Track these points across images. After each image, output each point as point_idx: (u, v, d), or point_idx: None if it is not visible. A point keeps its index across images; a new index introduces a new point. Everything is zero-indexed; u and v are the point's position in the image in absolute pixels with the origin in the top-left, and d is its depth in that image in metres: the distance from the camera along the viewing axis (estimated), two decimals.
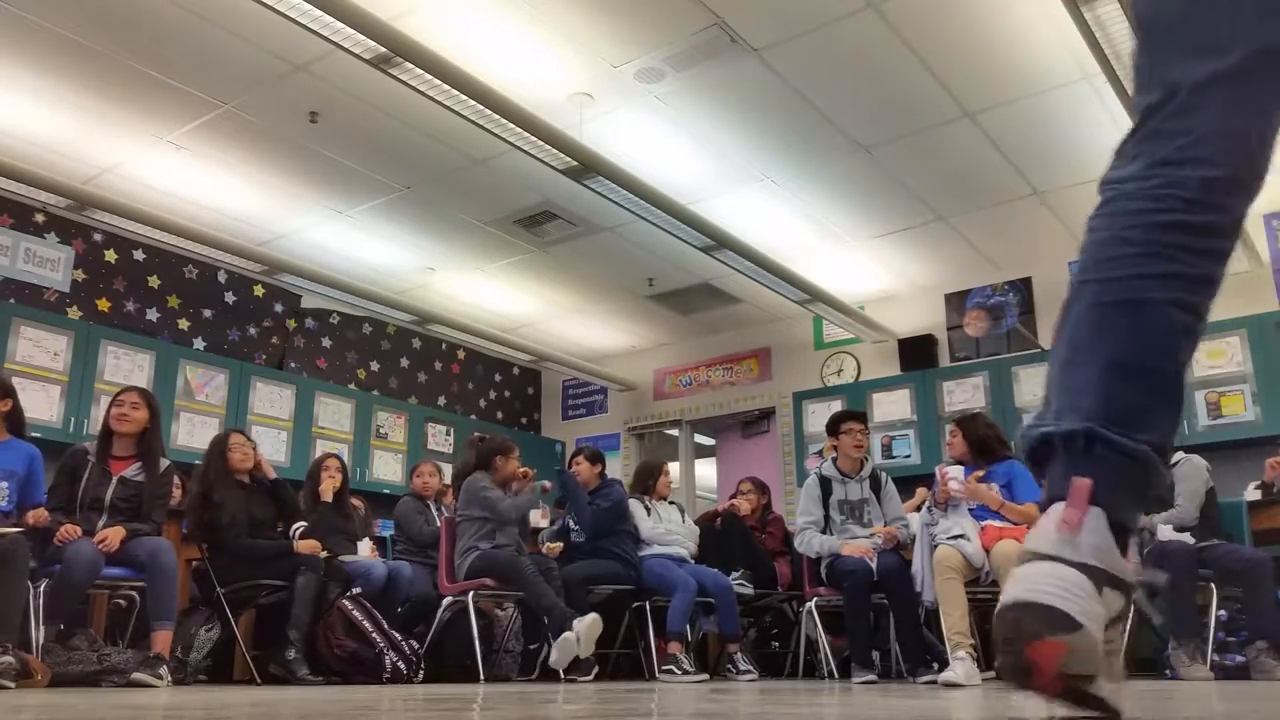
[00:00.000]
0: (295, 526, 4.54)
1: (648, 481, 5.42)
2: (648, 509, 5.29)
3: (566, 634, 4.28)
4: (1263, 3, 0.97)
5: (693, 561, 5.19)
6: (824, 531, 4.64)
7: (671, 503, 5.49)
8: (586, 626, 4.29)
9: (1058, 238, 6.88)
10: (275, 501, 4.54)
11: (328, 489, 4.81)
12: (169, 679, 3.58)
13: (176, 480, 5.34)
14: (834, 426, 4.78)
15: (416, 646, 4.40)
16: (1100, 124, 5.37)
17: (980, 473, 4.14)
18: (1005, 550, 3.79)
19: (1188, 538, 4.24)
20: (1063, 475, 0.97)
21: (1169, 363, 1.00)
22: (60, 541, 3.63)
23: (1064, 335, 1.04)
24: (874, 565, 4.37)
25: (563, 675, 4.54)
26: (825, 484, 4.69)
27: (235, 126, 5.44)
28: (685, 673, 4.55)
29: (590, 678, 4.52)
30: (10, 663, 3.12)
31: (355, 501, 5.41)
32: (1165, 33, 1.02)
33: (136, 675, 3.49)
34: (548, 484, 5.28)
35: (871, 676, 4.22)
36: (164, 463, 4.13)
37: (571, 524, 5.22)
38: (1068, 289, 1.06)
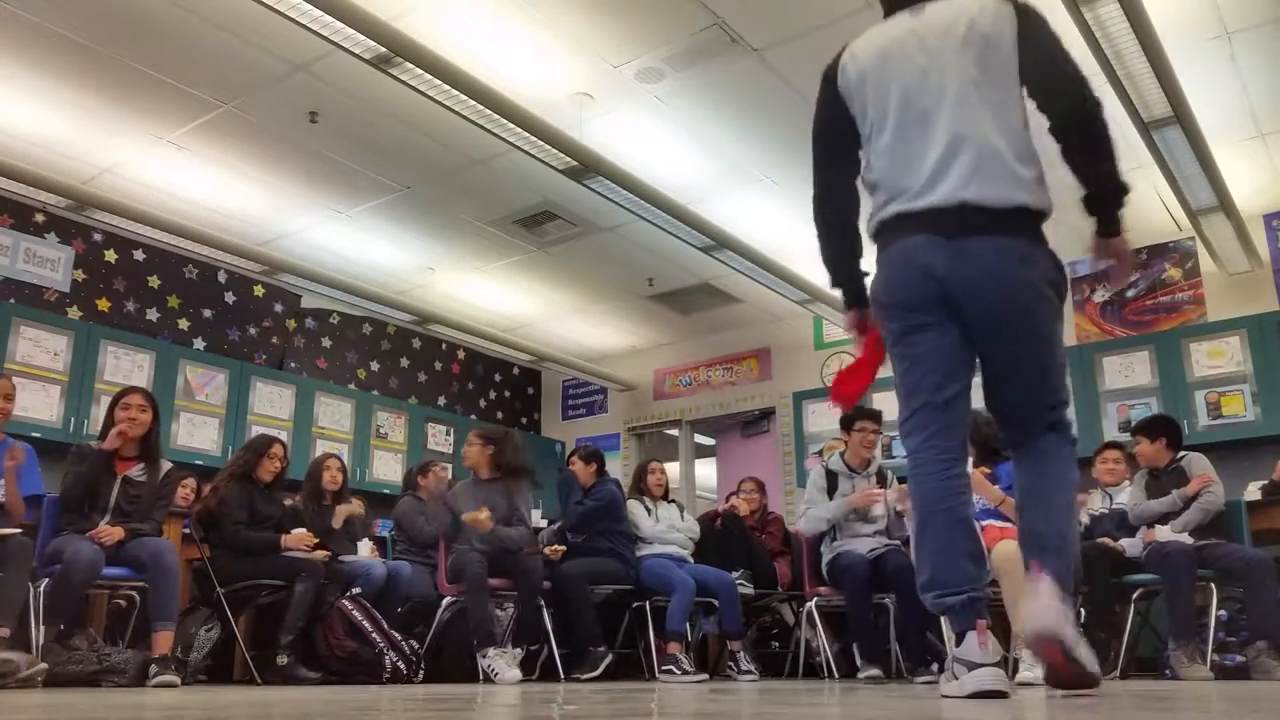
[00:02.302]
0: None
1: (640, 482, 5.43)
2: (648, 509, 5.29)
3: (484, 659, 4.26)
4: (927, 374, 2.11)
5: (692, 561, 5.19)
6: (827, 529, 4.63)
7: (671, 501, 5.49)
8: (504, 664, 4.24)
9: (1058, 237, 6.86)
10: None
11: (334, 486, 4.87)
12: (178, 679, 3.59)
13: (192, 483, 5.38)
14: (849, 422, 4.77)
15: (416, 646, 4.40)
16: None
17: (985, 469, 4.13)
18: (1005, 551, 3.79)
19: (1187, 537, 4.24)
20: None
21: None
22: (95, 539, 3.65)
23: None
24: (876, 554, 4.38)
25: (563, 675, 4.54)
26: (832, 478, 4.69)
27: (235, 126, 5.44)
28: (685, 673, 4.55)
29: (598, 672, 4.54)
30: (8, 661, 3.13)
31: (354, 501, 5.41)
32: (907, 388, 2.15)
33: (163, 678, 3.49)
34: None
35: (877, 671, 4.19)
36: (167, 464, 4.13)
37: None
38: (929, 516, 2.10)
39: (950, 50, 2.09)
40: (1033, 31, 2.08)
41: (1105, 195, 2.15)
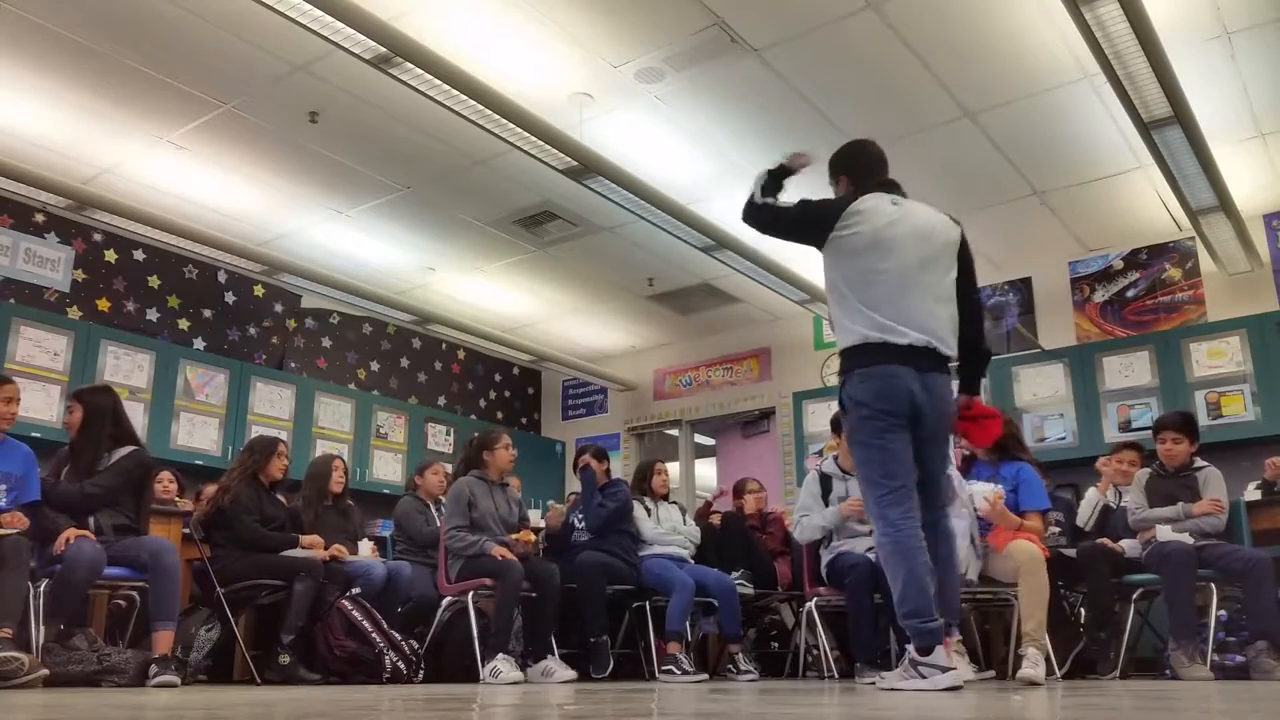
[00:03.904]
0: None
1: (643, 482, 5.43)
2: (648, 510, 5.29)
3: (495, 663, 4.22)
4: (902, 464, 2.94)
5: (692, 562, 5.19)
6: (823, 530, 4.62)
7: (673, 503, 5.49)
8: (507, 666, 4.21)
9: (1058, 237, 6.88)
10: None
11: (339, 487, 4.91)
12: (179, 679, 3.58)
13: (168, 475, 5.38)
14: (838, 424, 4.78)
15: (416, 646, 4.40)
16: (1100, 124, 5.37)
17: (998, 489, 4.14)
18: (1026, 549, 3.85)
19: (1187, 537, 4.24)
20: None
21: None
22: (62, 544, 3.62)
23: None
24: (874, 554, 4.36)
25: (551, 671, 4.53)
26: (825, 481, 4.68)
27: (235, 126, 5.44)
28: (685, 673, 4.55)
29: (606, 674, 4.59)
30: (15, 658, 3.13)
31: (348, 502, 5.42)
32: (869, 477, 3.00)
33: (163, 678, 3.49)
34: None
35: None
36: (120, 452, 3.98)
37: (576, 522, 5.22)
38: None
39: (928, 246, 3.08)
40: (967, 249, 3.19)
41: (977, 361, 3.25)
